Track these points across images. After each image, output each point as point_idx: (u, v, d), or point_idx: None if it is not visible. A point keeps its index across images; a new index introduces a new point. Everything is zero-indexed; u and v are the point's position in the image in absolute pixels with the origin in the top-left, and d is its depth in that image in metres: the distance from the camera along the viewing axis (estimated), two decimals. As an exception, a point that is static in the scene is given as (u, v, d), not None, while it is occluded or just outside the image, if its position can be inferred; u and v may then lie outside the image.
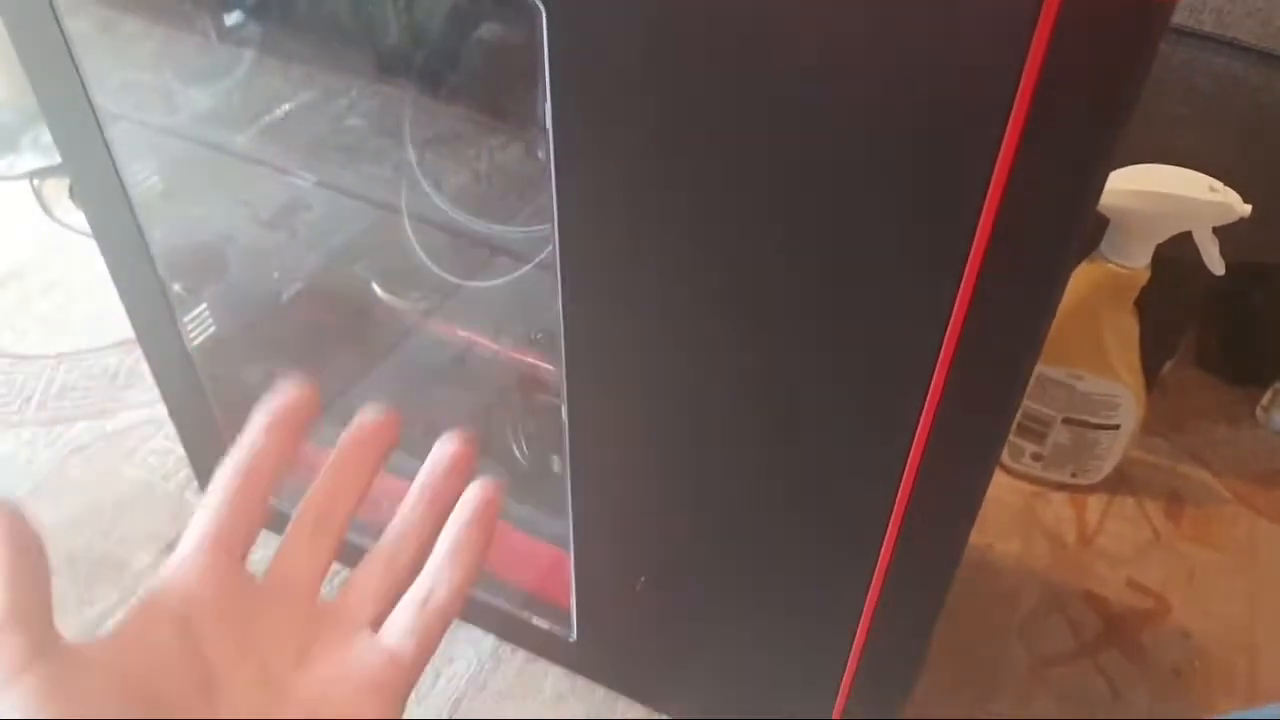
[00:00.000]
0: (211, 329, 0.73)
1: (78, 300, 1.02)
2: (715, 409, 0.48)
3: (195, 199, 0.73)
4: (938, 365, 0.40)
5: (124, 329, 0.97)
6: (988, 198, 0.34)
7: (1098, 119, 0.30)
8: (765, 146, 0.37)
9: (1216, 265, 0.73)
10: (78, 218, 1.04)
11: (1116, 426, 0.84)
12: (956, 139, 0.33)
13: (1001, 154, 0.32)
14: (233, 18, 0.65)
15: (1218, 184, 0.69)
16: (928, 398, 0.41)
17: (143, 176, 0.63)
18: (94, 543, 0.80)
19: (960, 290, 0.37)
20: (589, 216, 0.44)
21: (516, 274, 0.60)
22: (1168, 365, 0.98)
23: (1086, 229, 0.34)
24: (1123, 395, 0.81)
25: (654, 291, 0.44)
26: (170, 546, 0.80)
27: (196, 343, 0.71)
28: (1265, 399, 0.96)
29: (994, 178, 0.33)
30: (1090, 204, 0.33)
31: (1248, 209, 0.68)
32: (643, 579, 0.60)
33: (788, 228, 0.39)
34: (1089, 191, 0.32)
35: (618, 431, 0.53)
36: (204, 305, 0.72)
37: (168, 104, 0.70)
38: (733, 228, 0.41)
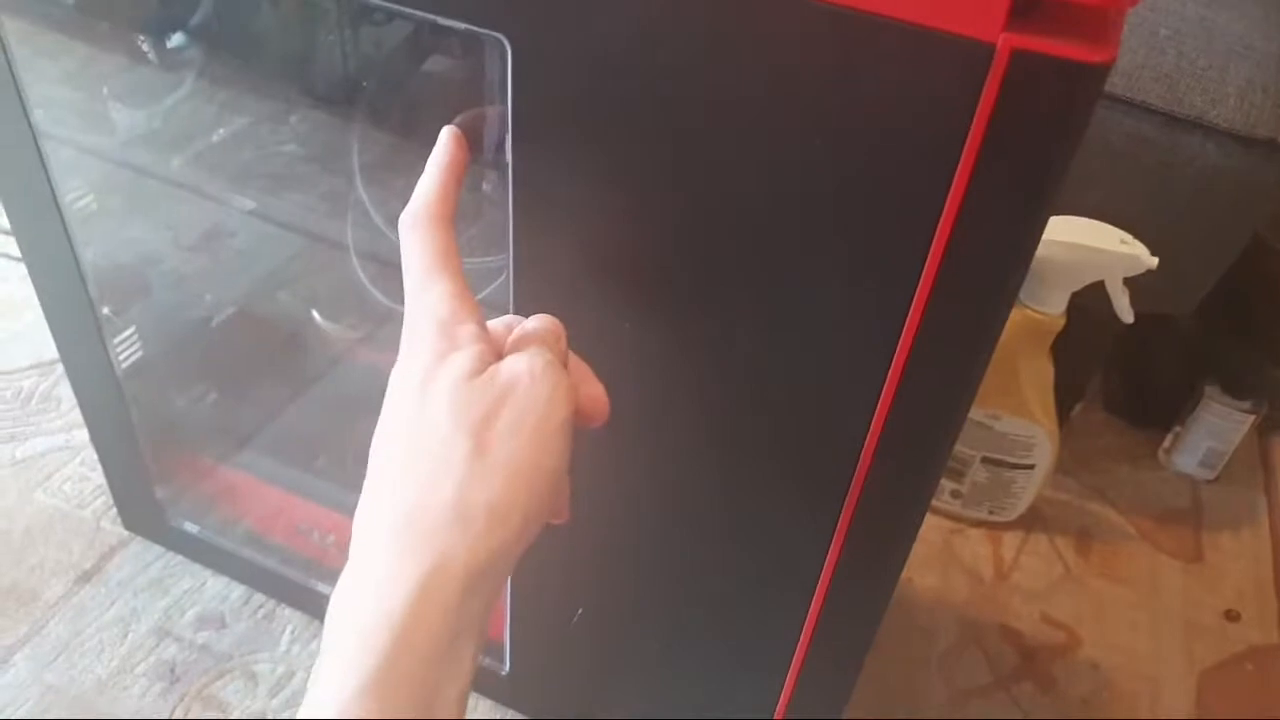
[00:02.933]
0: (139, 353, 0.71)
1: (-12, 321, 0.99)
2: (662, 443, 0.49)
3: (125, 220, 0.71)
4: (879, 404, 0.41)
5: (38, 352, 0.95)
6: (932, 248, 0.36)
7: (1040, 169, 0.32)
8: (726, 194, 0.39)
9: (1126, 314, 0.77)
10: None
11: (1031, 466, 0.87)
12: (907, 190, 0.35)
13: (948, 203, 0.34)
14: (175, 39, 0.64)
15: (1129, 237, 0.73)
16: (869, 435, 0.42)
17: (74, 196, 0.62)
18: (3, 572, 0.77)
19: (903, 333, 0.39)
20: (546, 249, 0.45)
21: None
22: (1077, 408, 1.02)
23: (1025, 274, 0.36)
24: (1038, 436, 0.85)
25: (607, 326, 0.45)
26: (84, 576, 0.77)
27: (124, 366, 0.69)
28: (1167, 442, 1.01)
29: (939, 229, 0.35)
30: (1031, 249, 0.35)
31: (1155, 261, 0.72)
32: (580, 611, 0.60)
33: (747, 270, 0.41)
34: (1030, 237, 0.34)
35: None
36: (132, 328, 0.71)
37: (100, 124, 0.69)
38: (689, 269, 0.42)
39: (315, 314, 0.73)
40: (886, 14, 0.31)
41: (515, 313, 0.47)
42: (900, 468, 0.43)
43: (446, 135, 0.41)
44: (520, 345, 0.37)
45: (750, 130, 0.37)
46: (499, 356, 0.37)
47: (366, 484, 0.36)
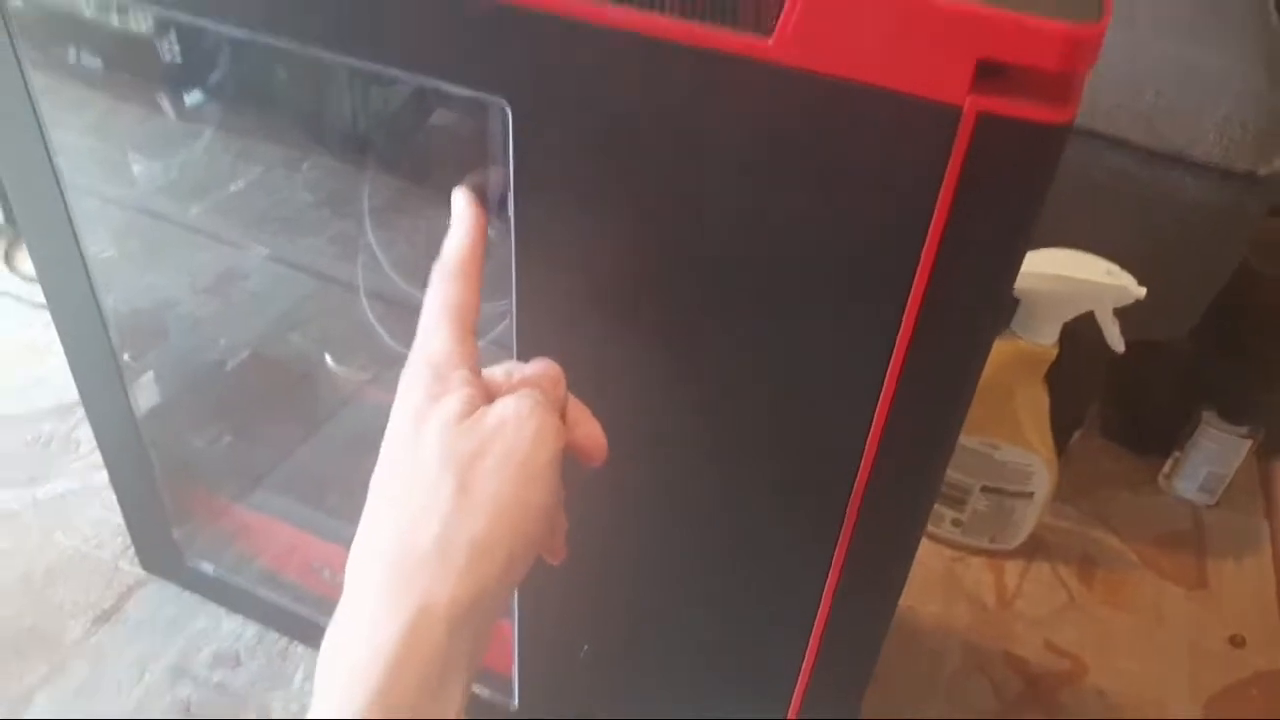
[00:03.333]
0: (157, 397, 0.73)
1: (7, 365, 1.01)
2: (662, 479, 0.51)
3: (145, 266, 0.74)
4: (870, 436, 0.43)
5: (57, 395, 0.97)
6: (912, 294, 0.38)
7: (1009, 220, 0.35)
8: (718, 244, 0.41)
9: (1117, 343, 0.78)
10: (10, 282, 1.04)
11: (1031, 494, 0.88)
12: (887, 242, 0.37)
13: (925, 253, 0.36)
14: (192, 96, 0.67)
15: (1115, 268, 0.75)
16: (863, 463, 0.44)
17: (99, 248, 0.64)
18: (24, 612, 0.79)
19: (890, 367, 0.40)
20: (546, 294, 0.47)
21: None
22: (1075, 436, 1.03)
23: (1002, 314, 0.38)
24: (1036, 464, 0.86)
25: (605, 367, 0.47)
26: (103, 616, 0.79)
27: (143, 410, 0.71)
28: (1166, 468, 1.02)
29: (917, 277, 0.37)
30: (1005, 292, 0.37)
31: (1142, 291, 0.74)
32: (586, 647, 0.62)
33: (739, 313, 0.43)
34: (1003, 282, 0.36)
35: (567, 501, 0.55)
36: (151, 373, 0.73)
37: (121, 174, 0.71)
38: (682, 313, 0.44)
39: (328, 357, 0.75)
40: (861, 79, 0.33)
41: (518, 354, 0.50)
42: (895, 493, 0.45)
43: (463, 200, 0.44)
44: (516, 390, 0.39)
45: (738, 187, 0.39)
46: (491, 401, 0.38)
47: (362, 521, 0.37)
